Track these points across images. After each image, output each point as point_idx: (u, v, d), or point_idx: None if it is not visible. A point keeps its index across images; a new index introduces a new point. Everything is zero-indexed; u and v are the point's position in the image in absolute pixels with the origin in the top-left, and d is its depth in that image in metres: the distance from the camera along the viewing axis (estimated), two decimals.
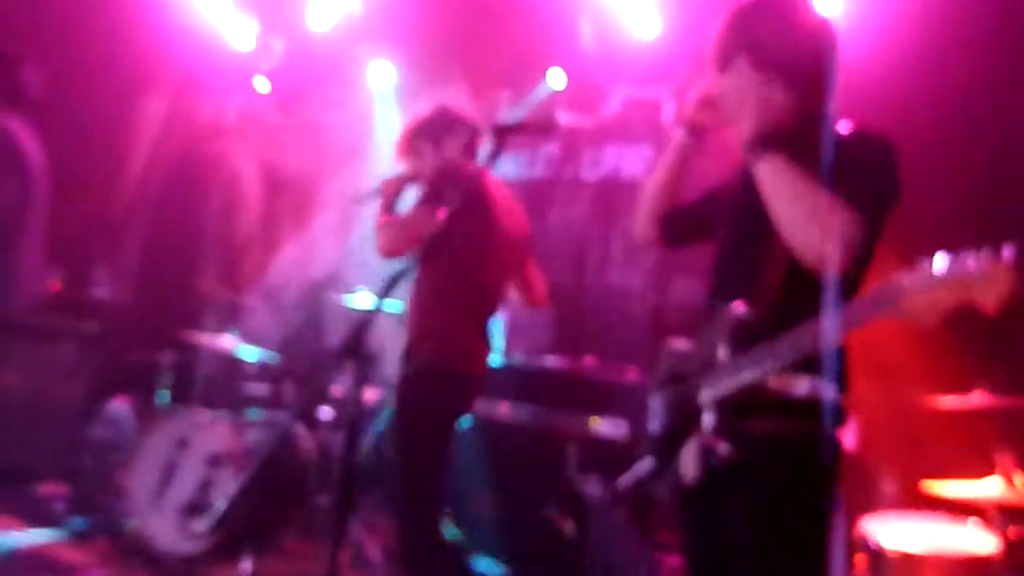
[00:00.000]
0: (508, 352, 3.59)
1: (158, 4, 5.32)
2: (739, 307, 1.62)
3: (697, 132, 1.99)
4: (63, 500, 4.13)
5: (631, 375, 3.13)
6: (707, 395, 1.63)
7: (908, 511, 2.72)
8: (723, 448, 1.57)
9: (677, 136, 2.04)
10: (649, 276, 4.34)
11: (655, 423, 1.86)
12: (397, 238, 2.57)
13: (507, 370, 3.32)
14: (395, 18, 5.19)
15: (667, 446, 1.77)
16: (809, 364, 1.48)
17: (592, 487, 2.96)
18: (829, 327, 1.39)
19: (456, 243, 2.56)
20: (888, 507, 2.89)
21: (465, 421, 3.28)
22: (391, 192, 2.78)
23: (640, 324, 4.25)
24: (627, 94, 4.65)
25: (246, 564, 3.41)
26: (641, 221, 2.15)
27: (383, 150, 5.21)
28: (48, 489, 4.28)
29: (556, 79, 4.73)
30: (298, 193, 5.57)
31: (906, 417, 3.05)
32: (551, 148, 4.78)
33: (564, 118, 4.68)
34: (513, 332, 4.52)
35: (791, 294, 1.58)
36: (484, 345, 2.68)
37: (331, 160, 5.49)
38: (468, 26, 5.07)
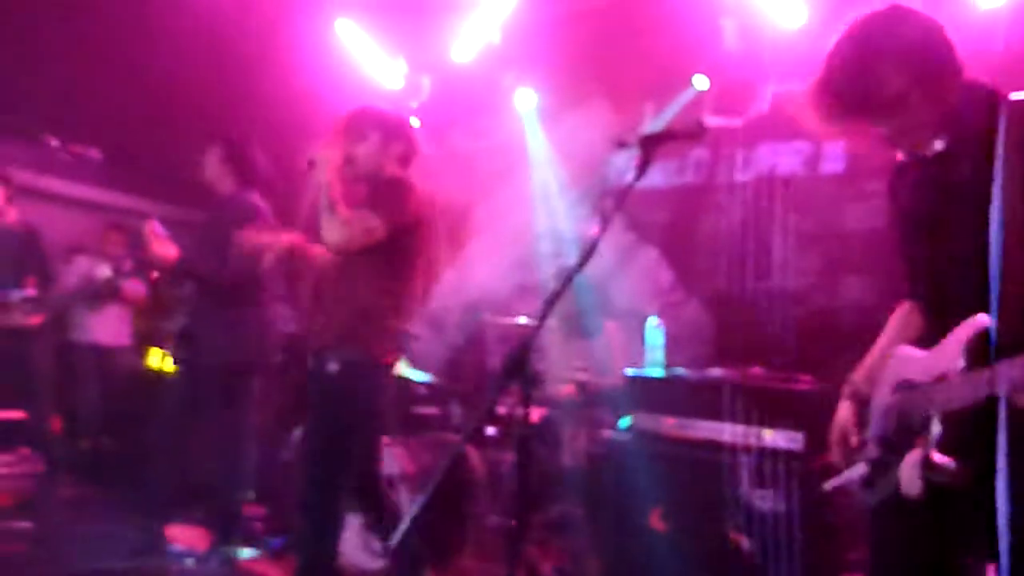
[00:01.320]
0: (669, 364, 3.49)
1: (312, 56, 5.70)
2: (983, 319, 1.50)
3: None
4: (261, 520, 4.45)
5: (804, 383, 2.95)
6: (938, 406, 1.54)
7: None
8: (948, 465, 1.48)
9: None
10: (815, 277, 4.10)
11: (875, 429, 1.77)
12: (356, 237, 2.71)
13: (670, 382, 3.24)
14: (534, 43, 5.27)
15: (885, 454, 1.70)
16: None
17: (768, 502, 2.81)
18: None
19: (400, 251, 2.81)
20: None
21: (626, 435, 3.23)
22: (334, 172, 2.78)
23: (809, 328, 4.01)
24: (777, 89, 4.45)
25: None
26: None
27: (532, 173, 5.29)
28: (248, 509, 4.63)
29: (700, 83, 4.62)
30: (453, 220, 5.74)
31: None
32: (701, 153, 4.66)
33: (712, 121, 4.55)
34: (674, 343, 4.41)
35: None
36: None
37: (482, 186, 5.64)
38: (606, 42, 5.05)
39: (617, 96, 5.03)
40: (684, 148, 4.68)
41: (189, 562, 3.78)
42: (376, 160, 2.96)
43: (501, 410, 4.01)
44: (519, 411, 1.62)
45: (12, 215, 4.42)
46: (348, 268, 2.81)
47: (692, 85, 4.62)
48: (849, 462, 1.84)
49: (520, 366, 1.49)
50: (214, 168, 3.86)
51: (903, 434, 1.64)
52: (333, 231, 2.69)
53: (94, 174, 4.59)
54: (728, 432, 2.97)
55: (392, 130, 3.01)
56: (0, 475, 4.74)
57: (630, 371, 3.38)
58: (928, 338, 1.69)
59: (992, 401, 1.41)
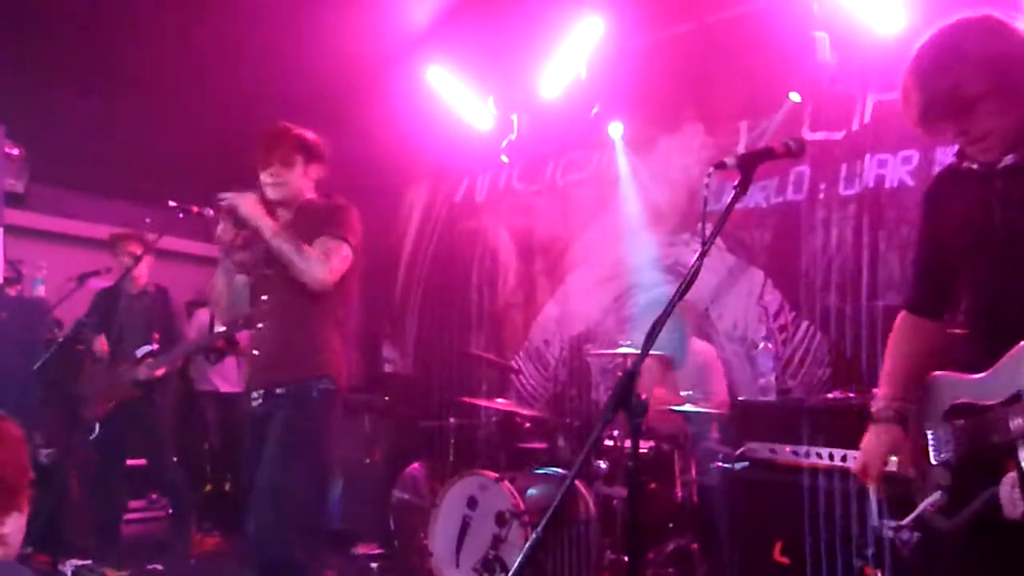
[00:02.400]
0: (781, 389, 3.36)
1: (407, 104, 5.90)
2: None
3: None
4: (377, 559, 4.53)
5: None
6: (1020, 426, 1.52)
7: None
8: None
9: None
10: None
11: (942, 455, 1.75)
12: (337, 268, 2.66)
13: (784, 408, 3.11)
14: (621, 73, 5.28)
15: (959, 480, 1.68)
16: None
17: (903, 533, 2.63)
18: None
19: (352, 276, 2.77)
20: None
21: (743, 465, 3.11)
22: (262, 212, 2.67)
23: None
24: (879, 99, 4.28)
25: None
26: None
27: (628, 203, 5.26)
28: (363, 549, 4.72)
29: (796, 98, 4.49)
30: (550, 254, 5.77)
31: None
32: (802, 169, 4.51)
33: (811, 136, 4.41)
34: (785, 368, 4.25)
35: None
36: None
37: (577, 218, 5.65)
38: (695, 65, 5.00)
39: (710, 118, 4.96)
40: (784, 165, 4.54)
41: None
42: (300, 185, 2.85)
43: (609, 443, 3.95)
44: (627, 443, 1.59)
45: (144, 276, 4.75)
46: (296, 300, 2.68)
47: (788, 101, 4.50)
48: (918, 493, 1.81)
49: (626, 396, 1.46)
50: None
51: (981, 457, 1.62)
52: (314, 268, 2.59)
53: (208, 231, 4.88)
54: (851, 458, 2.81)
55: (312, 151, 2.90)
56: (133, 519, 5.03)
57: (741, 398, 3.27)
58: (977, 359, 1.67)
59: None
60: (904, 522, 1.86)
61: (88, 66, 5.34)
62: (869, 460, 1.91)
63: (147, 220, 4.55)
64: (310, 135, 2.91)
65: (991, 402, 1.61)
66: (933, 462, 1.77)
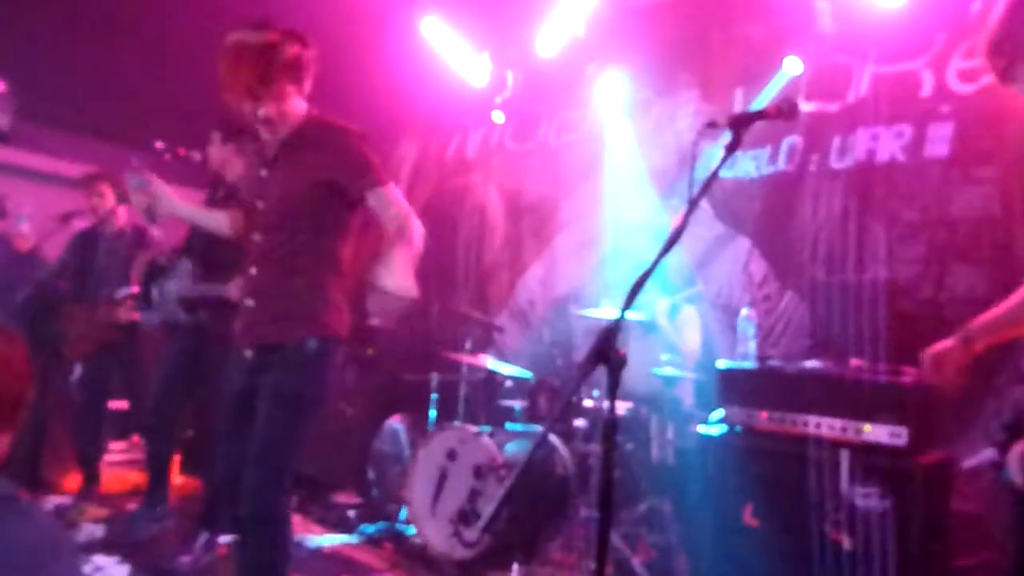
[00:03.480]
0: (762, 357, 3.38)
1: (400, 55, 5.80)
2: None
3: None
4: (355, 508, 4.58)
5: (907, 376, 2.80)
6: None
7: None
8: None
9: None
10: (921, 267, 3.89)
11: (1005, 415, 1.87)
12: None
13: (764, 375, 3.13)
14: (620, 34, 5.21)
15: (1008, 440, 1.80)
16: None
17: (871, 500, 2.68)
18: None
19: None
20: None
21: (719, 430, 3.15)
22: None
23: (913, 320, 3.81)
24: (876, 71, 4.25)
25: (515, 571, 3.53)
26: None
27: (620, 165, 5.23)
28: (342, 498, 4.77)
29: (793, 67, 4.45)
30: (539, 215, 5.75)
31: None
32: (794, 140, 4.49)
33: (806, 106, 4.38)
34: (767, 336, 4.28)
35: None
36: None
37: (568, 180, 5.61)
38: (694, 29, 4.94)
39: (706, 83, 4.92)
40: (776, 135, 4.52)
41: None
42: (294, 109, 2.61)
43: (589, 404, 3.99)
44: (607, 397, 1.60)
45: (123, 218, 4.69)
46: (297, 242, 2.49)
47: (785, 69, 4.46)
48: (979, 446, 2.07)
49: (606, 349, 1.46)
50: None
51: (1018, 424, 1.73)
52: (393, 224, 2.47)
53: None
54: (826, 426, 2.85)
55: (300, 67, 2.67)
56: (114, 462, 5.06)
57: (721, 363, 3.29)
58: None
59: None
60: (963, 467, 2.15)
61: (77, 3, 5.22)
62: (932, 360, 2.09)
63: (133, 161, 4.48)
64: (289, 47, 2.59)
65: None
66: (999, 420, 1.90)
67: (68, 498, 4.31)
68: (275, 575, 2.33)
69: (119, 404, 4.92)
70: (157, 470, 3.97)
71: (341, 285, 2.56)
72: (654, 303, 4.10)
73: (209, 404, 3.99)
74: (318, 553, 3.87)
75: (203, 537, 3.65)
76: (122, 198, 4.60)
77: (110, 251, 4.60)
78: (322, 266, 2.48)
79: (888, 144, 4.14)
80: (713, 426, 3.20)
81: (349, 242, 2.59)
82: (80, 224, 4.82)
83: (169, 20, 5.29)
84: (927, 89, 4.03)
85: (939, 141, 3.95)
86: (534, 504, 3.71)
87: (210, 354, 3.81)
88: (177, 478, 4.88)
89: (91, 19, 5.26)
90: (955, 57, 3.95)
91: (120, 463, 5.16)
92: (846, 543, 2.71)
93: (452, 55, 5.81)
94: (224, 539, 3.74)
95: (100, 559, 3.35)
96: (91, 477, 4.46)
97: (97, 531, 3.84)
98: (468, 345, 4.49)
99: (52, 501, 4.25)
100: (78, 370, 4.56)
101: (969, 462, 1.98)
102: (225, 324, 3.01)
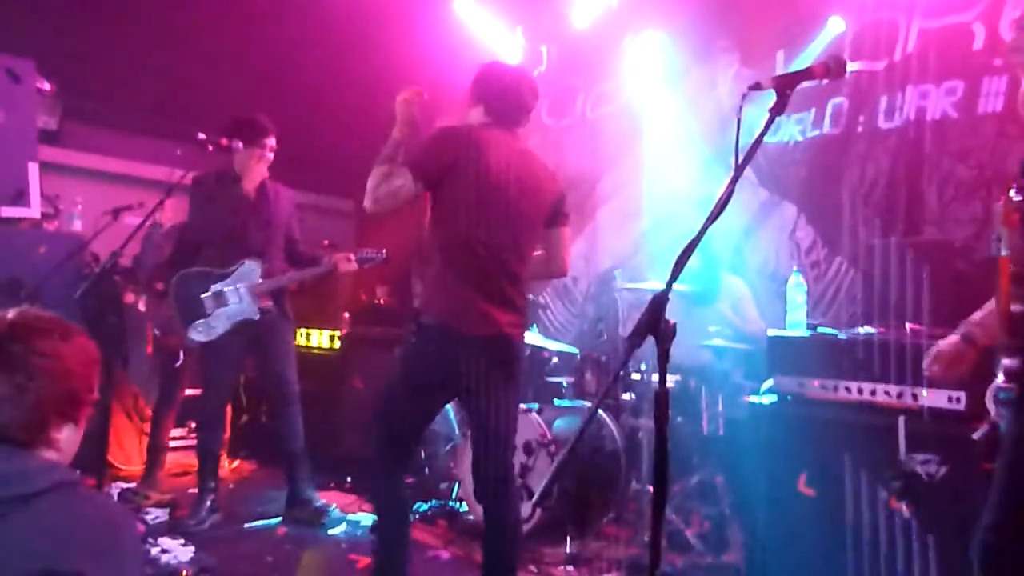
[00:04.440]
0: (813, 323, 3.32)
1: (434, 37, 5.78)
2: None
3: None
4: (408, 487, 4.64)
5: None
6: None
7: None
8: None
9: None
10: (978, 227, 3.77)
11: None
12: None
13: (814, 343, 3.08)
14: (654, 1, 5.12)
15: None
16: None
17: (930, 466, 2.63)
18: None
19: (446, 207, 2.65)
20: None
21: (767, 397, 3.11)
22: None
23: (969, 282, 3.70)
24: (924, 26, 4.10)
25: (568, 546, 3.56)
26: None
27: (661, 135, 5.16)
28: None
29: (836, 26, 4.33)
30: (580, 190, 5.71)
31: None
32: (840, 101, 4.37)
33: (851, 66, 4.26)
34: (817, 302, 4.21)
35: None
36: (479, 303, 2.60)
37: (607, 153, 5.56)
38: None
39: (746, 47, 4.81)
40: (821, 97, 4.40)
41: (342, 526, 4.01)
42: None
43: (636, 377, 3.97)
44: (655, 377, 1.59)
45: (168, 215, 4.89)
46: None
47: (828, 28, 4.34)
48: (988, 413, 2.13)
49: (655, 321, 1.45)
50: (242, 159, 3.98)
51: None
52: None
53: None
54: (881, 393, 2.80)
55: (473, 90, 2.87)
56: (176, 447, 5.21)
57: (771, 332, 3.25)
58: None
59: None
60: (974, 437, 2.15)
61: (118, 2, 5.32)
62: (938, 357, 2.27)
63: (178, 152, 4.58)
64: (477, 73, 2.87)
65: None
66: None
67: (133, 484, 4.45)
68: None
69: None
70: (209, 462, 4.06)
71: (433, 274, 2.73)
72: (704, 275, 4.04)
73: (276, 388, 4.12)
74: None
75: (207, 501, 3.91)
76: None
77: (163, 248, 4.81)
78: (420, 259, 2.86)
79: (939, 101, 4.01)
80: (764, 396, 3.16)
81: (440, 233, 2.73)
82: (131, 219, 4.94)
83: (211, 13, 5.35)
84: (979, 42, 3.88)
85: (994, 96, 3.81)
86: (585, 479, 3.72)
87: (279, 342, 4.07)
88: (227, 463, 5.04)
89: (131, 13, 5.35)
90: (1008, 7, 3.79)
91: (182, 448, 5.31)
92: (904, 511, 2.67)
93: (485, 32, 5.78)
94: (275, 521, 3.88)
95: (166, 541, 3.46)
96: (155, 463, 4.60)
97: (162, 515, 3.97)
98: None
99: (119, 486, 4.40)
100: (181, 356, 4.74)
101: (981, 430, 2.11)
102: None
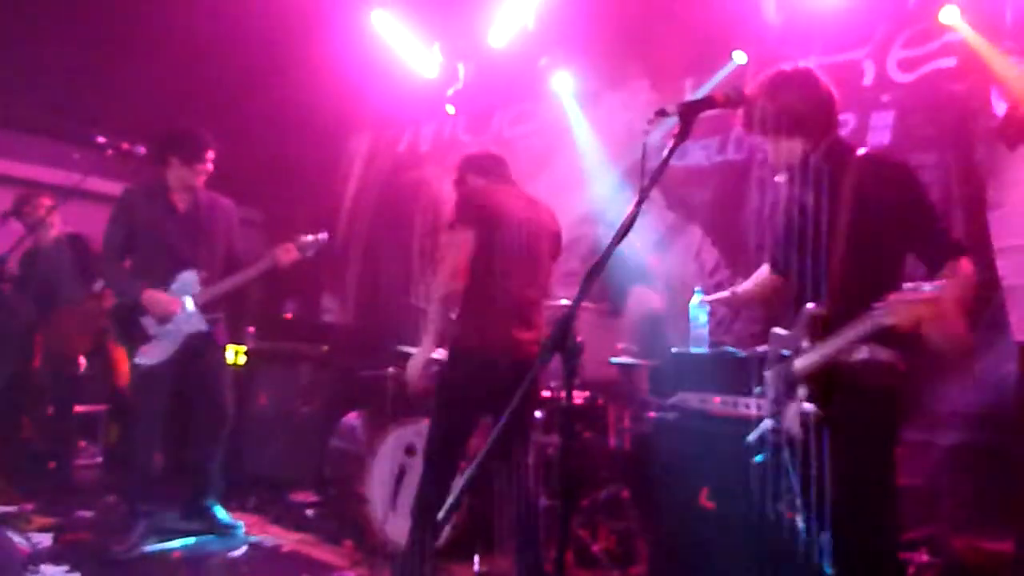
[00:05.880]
0: (715, 342, 3.45)
1: (349, 49, 5.74)
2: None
3: None
4: (313, 506, 4.54)
5: None
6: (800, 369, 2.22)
7: None
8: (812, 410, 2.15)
9: None
10: None
11: (771, 393, 2.44)
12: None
13: (717, 360, 3.19)
14: (570, 25, 5.24)
15: (777, 409, 2.36)
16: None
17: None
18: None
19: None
20: None
21: (671, 414, 3.21)
22: None
23: None
24: (820, 62, 4.35)
25: (476, 563, 3.55)
26: None
27: (574, 155, 5.26)
28: (299, 496, 4.73)
29: (740, 58, 4.54)
30: None
31: None
32: (741, 130, 4.57)
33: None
34: (719, 322, 4.36)
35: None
36: (509, 330, 3.04)
37: (523, 172, 5.62)
38: (643, 20, 4.99)
39: (656, 74, 4.98)
40: (725, 124, 4.60)
41: (243, 548, 3.87)
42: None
43: (546, 393, 4.02)
44: (563, 391, 1.62)
45: (56, 227, 4.78)
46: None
47: (732, 60, 4.54)
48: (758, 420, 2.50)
49: (562, 338, 1.48)
50: (177, 175, 3.87)
51: (784, 392, 2.32)
52: None
53: (139, 170, 4.79)
54: None
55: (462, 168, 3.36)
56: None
57: (675, 350, 3.35)
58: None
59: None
60: (748, 439, 2.53)
61: None
62: None
63: (75, 156, 4.39)
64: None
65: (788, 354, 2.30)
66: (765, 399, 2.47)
67: (14, 507, 4.18)
68: None
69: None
70: (139, 484, 3.88)
71: (466, 309, 3.14)
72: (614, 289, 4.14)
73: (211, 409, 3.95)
74: (277, 552, 3.83)
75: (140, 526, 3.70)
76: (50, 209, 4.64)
77: (58, 259, 4.74)
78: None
79: None
80: (669, 411, 3.25)
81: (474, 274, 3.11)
82: (11, 225, 4.69)
83: (115, 11, 5.15)
84: (869, 78, 4.14)
85: (881, 129, 4.07)
86: (493, 496, 3.72)
87: (218, 361, 3.99)
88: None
89: (22, 6, 5.10)
90: (895, 47, 4.07)
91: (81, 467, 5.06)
92: (800, 523, 2.79)
93: (402, 47, 5.78)
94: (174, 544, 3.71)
95: (48, 569, 3.27)
96: (41, 483, 4.35)
97: (45, 540, 3.74)
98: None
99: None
100: (83, 362, 4.78)
101: (753, 434, 2.50)
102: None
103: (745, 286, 2.84)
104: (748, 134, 2.50)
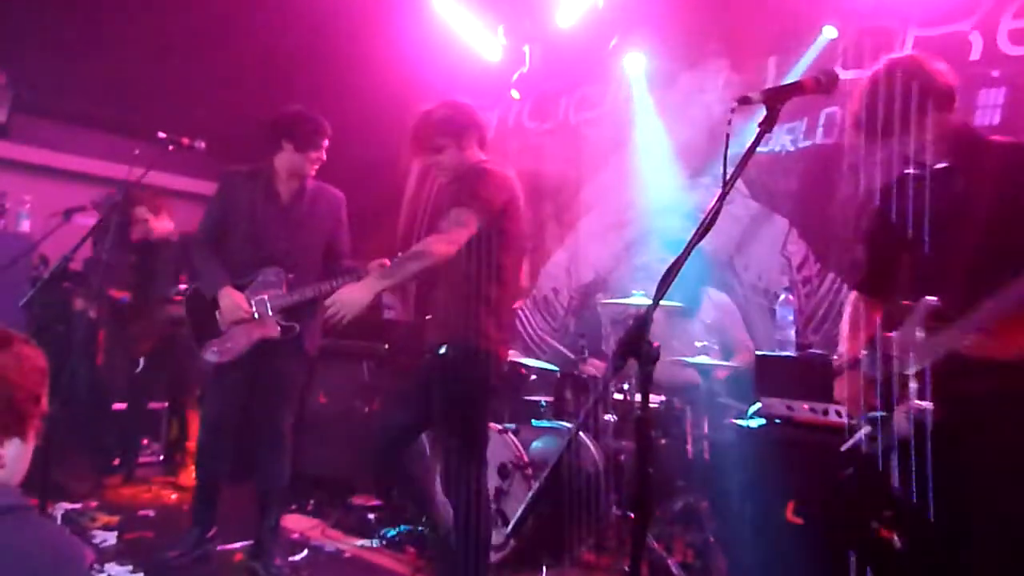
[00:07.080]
0: (803, 344, 3.36)
1: (411, 35, 5.78)
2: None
3: None
4: (375, 511, 4.61)
5: None
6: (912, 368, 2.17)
7: None
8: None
9: None
10: None
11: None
12: (456, 240, 2.94)
13: (803, 364, 3.10)
14: (642, 2, 5.16)
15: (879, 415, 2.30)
16: None
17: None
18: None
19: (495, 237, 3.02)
20: None
21: (754, 420, 3.13)
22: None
23: None
24: (920, 35, 4.17)
25: (543, 574, 3.54)
26: None
27: (643, 143, 5.19)
28: (360, 500, 4.81)
29: (830, 33, 4.39)
30: (560, 198, 5.72)
31: None
32: (833, 110, 4.42)
33: (844, 75, 4.31)
34: (808, 320, 4.24)
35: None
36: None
37: (590, 160, 5.58)
38: None
39: (737, 53, 4.86)
40: (814, 106, 4.46)
41: (303, 551, 3.96)
42: (457, 160, 3.18)
43: (618, 397, 3.98)
44: (637, 395, 1.59)
45: (167, 225, 5.12)
46: (452, 262, 2.97)
47: (822, 36, 4.39)
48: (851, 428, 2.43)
49: (637, 343, 1.45)
50: (288, 161, 3.68)
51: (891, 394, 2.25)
52: (433, 249, 2.94)
53: (200, 166, 4.93)
54: None
55: (461, 129, 3.20)
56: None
57: (759, 353, 3.27)
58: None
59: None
60: (842, 449, 2.46)
61: None
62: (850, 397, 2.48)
63: (136, 152, 4.54)
64: (443, 113, 3.21)
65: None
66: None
67: (79, 504, 4.38)
68: None
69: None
70: (203, 493, 3.74)
71: (488, 310, 3.06)
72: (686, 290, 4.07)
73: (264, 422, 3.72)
74: (338, 558, 3.91)
75: (195, 532, 3.66)
76: (156, 210, 5.05)
77: (158, 257, 5.04)
78: (465, 295, 3.07)
79: None
80: (751, 419, 3.18)
81: (501, 271, 3.10)
82: (84, 220, 4.89)
83: (173, 5, 5.31)
84: (976, 52, 3.95)
85: (990, 108, 3.88)
86: (563, 504, 3.71)
87: (283, 368, 3.66)
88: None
89: (88, 7, 5.30)
90: (1006, 17, 3.87)
91: (138, 465, 5.26)
92: (896, 542, 2.69)
93: (465, 31, 5.79)
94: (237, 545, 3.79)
95: (113, 568, 3.40)
96: (103, 483, 4.54)
97: (110, 538, 3.90)
98: None
99: (62, 507, 4.32)
100: (141, 363, 5.08)
101: (848, 443, 2.44)
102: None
103: (843, 342, 2.67)
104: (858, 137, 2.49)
